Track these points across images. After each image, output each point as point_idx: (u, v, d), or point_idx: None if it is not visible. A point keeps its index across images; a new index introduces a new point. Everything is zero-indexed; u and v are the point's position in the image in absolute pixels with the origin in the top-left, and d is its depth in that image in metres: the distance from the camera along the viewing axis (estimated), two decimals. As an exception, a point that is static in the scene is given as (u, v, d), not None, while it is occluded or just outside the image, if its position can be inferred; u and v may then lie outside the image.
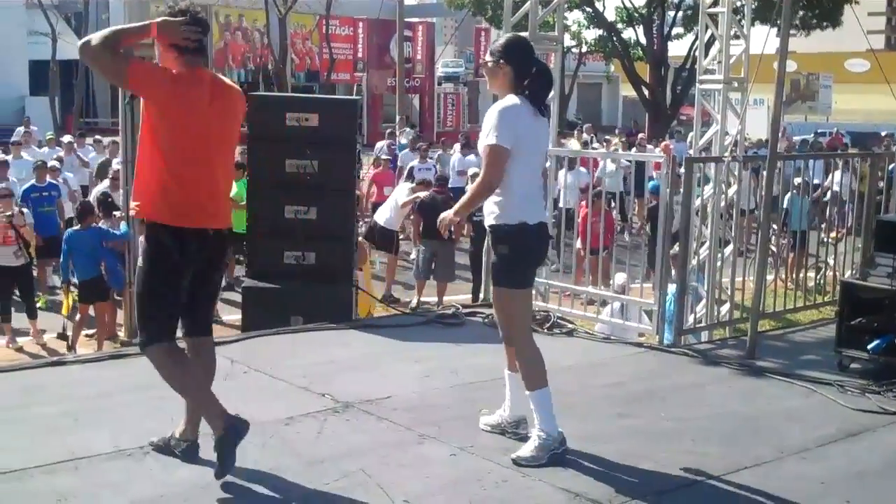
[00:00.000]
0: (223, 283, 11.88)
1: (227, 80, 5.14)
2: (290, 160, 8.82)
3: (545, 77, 5.37)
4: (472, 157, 19.90)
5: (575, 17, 38.93)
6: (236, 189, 14.53)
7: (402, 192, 15.53)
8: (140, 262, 4.93)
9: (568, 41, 37.11)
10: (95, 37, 4.71)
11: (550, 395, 5.37)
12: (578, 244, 14.18)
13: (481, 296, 10.15)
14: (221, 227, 4.97)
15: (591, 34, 39.85)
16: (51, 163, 16.22)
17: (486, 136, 5.17)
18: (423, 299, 14.71)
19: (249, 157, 9.46)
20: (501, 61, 5.32)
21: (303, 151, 8.79)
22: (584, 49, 41.77)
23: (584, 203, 12.02)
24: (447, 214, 5.36)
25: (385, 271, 15.52)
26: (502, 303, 5.43)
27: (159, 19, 4.86)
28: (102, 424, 5.70)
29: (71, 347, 11.84)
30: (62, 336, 12.11)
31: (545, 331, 8.23)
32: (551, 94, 6.35)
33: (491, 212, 5.30)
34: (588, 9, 35.95)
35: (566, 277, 9.71)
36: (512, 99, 5.24)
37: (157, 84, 4.75)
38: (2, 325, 12.63)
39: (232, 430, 4.81)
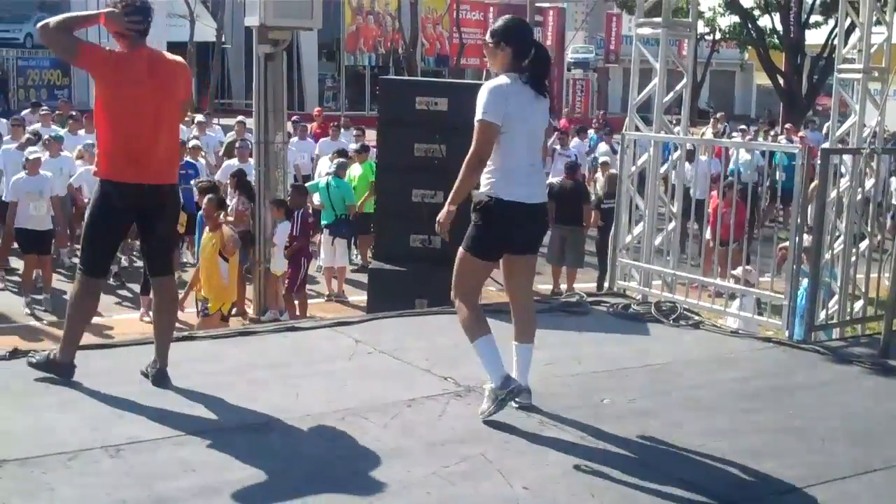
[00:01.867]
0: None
1: (168, 56, 6.01)
2: (419, 144, 8.87)
3: (543, 58, 5.58)
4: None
5: (709, 2, 38.22)
6: (362, 171, 14.80)
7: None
8: (87, 210, 6.05)
9: (701, 28, 36.47)
10: (53, 20, 5.69)
11: (491, 343, 5.61)
12: (708, 235, 13.93)
13: (606, 284, 10.04)
14: (157, 182, 5.79)
15: (726, 21, 39.04)
16: (192, 142, 16.64)
17: (476, 113, 5.43)
18: (543, 286, 14.66)
19: (378, 141, 9.54)
20: (501, 42, 5.52)
21: (431, 136, 8.83)
22: (718, 36, 40.97)
23: (714, 193, 11.80)
24: (443, 212, 5.61)
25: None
26: (459, 262, 5.71)
27: (106, 10, 5.78)
28: (231, 400, 5.82)
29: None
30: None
31: (671, 322, 8.12)
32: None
33: (480, 182, 5.56)
34: (724, -5, 35.26)
35: (694, 269, 9.54)
36: (503, 78, 5.47)
37: (99, 63, 5.75)
38: (140, 298, 13.00)
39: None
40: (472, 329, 5.65)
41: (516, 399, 5.77)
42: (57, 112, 20.54)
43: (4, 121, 17.96)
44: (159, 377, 5.97)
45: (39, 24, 5.73)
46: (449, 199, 5.60)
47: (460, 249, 5.72)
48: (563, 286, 14.34)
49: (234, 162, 15.42)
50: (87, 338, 8.89)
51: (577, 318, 8.21)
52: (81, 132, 17.16)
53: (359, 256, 15.78)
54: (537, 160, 5.80)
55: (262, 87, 12.74)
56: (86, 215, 6.02)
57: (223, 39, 38.43)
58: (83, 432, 5.20)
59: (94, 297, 6.16)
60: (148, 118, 5.73)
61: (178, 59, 6.12)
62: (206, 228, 10.77)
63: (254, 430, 5.36)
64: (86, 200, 14.48)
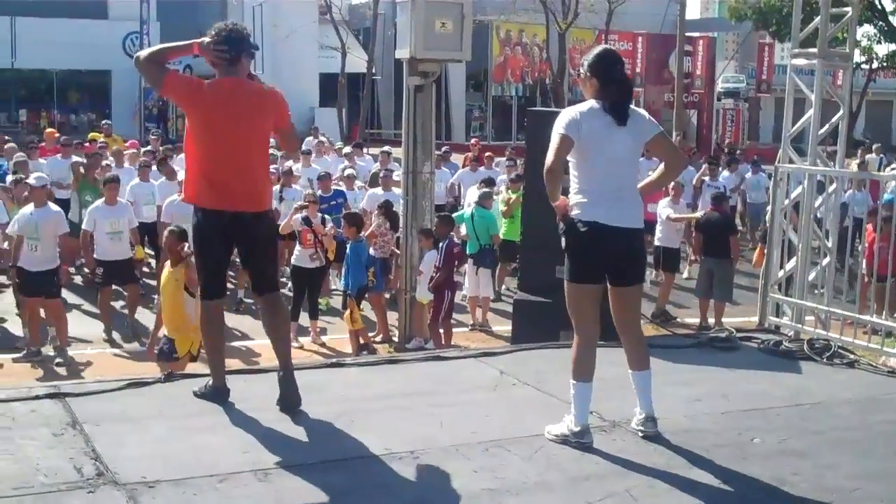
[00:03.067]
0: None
1: (258, 85, 6.16)
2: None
3: (624, 89, 5.73)
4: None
5: (865, 30, 37.08)
6: (514, 198, 14.80)
7: (666, 208, 15.24)
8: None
9: (857, 57, 35.41)
10: (145, 52, 5.99)
11: (586, 392, 5.71)
12: (864, 269, 13.52)
13: (756, 319, 9.81)
14: (239, 209, 5.88)
15: (883, 49, 37.83)
16: (347, 171, 16.97)
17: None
18: (690, 320, 14.42)
19: (526, 170, 9.59)
20: (589, 73, 5.72)
21: (577, 167, 8.78)
22: (875, 65, 39.73)
23: (870, 226, 11.42)
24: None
25: (659, 289, 15.18)
26: (565, 291, 5.80)
27: (199, 40, 5.97)
28: (375, 427, 5.90)
29: (370, 349, 12.33)
30: (364, 346, 12.63)
31: (824, 360, 7.89)
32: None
33: None
34: (881, 22, 34.15)
35: (849, 305, 9.23)
36: (585, 104, 5.69)
37: (183, 92, 6.02)
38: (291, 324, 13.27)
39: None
40: (574, 368, 5.76)
41: (641, 429, 5.83)
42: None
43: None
44: (287, 377, 6.10)
45: (135, 55, 5.99)
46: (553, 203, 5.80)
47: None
48: (711, 320, 14.06)
49: (379, 191, 15.64)
50: (238, 363, 9.17)
51: (726, 354, 8.05)
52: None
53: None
54: (625, 186, 5.74)
55: (411, 118, 12.89)
56: None
57: (373, 71, 39.13)
58: (234, 455, 5.33)
59: (216, 319, 6.25)
60: (228, 146, 5.84)
61: (271, 88, 6.26)
62: (167, 263, 9.58)
63: (398, 458, 5.40)
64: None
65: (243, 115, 5.86)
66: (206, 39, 5.94)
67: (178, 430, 5.76)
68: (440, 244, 12.25)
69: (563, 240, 5.71)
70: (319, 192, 15.13)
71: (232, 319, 13.94)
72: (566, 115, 5.63)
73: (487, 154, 20.52)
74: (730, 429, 6.19)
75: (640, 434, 5.84)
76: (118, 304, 13.85)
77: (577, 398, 5.71)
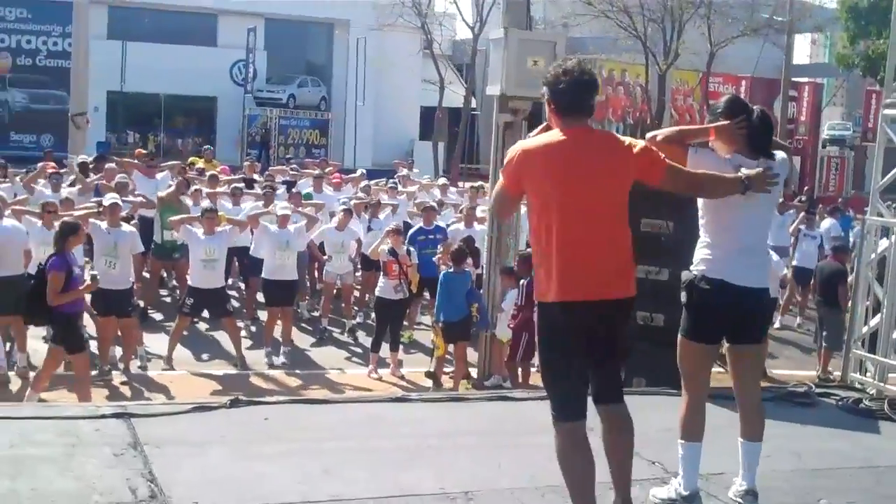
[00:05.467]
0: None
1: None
2: (646, 219, 8.72)
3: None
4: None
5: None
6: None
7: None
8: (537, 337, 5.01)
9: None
10: (661, 132, 5.29)
11: (695, 452, 5.39)
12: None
13: (836, 374, 9.54)
14: (607, 297, 4.77)
15: None
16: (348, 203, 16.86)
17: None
18: (778, 371, 14.09)
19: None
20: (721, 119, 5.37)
21: (659, 211, 8.67)
22: None
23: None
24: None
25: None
26: (678, 347, 5.48)
27: (717, 124, 5.29)
28: (433, 464, 5.86)
29: (437, 384, 12.27)
30: (430, 375, 12.62)
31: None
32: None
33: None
34: None
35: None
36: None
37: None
38: (370, 355, 13.30)
39: None
40: (683, 428, 5.49)
41: (740, 502, 5.60)
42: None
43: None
44: None
45: (649, 134, 5.26)
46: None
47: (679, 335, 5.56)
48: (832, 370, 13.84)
49: (461, 226, 15.62)
50: (313, 392, 9.21)
51: (803, 410, 7.83)
52: (329, 190, 17.89)
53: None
54: (759, 241, 5.56)
55: (499, 154, 12.89)
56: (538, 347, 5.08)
57: (473, 105, 39.33)
58: (288, 486, 5.35)
59: (581, 446, 4.85)
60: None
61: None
62: None
63: (451, 499, 5.37)
64: (325, 257, 15.05)
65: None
66: (724, 122, 5.32)
67: (237, 457, 5.80)
68: (521, 282, 12.18)
69: (683, 294, 5.47)
70: (421, 225, 15.15)
71: (309, 349, 14.09)
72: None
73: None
74: (798, 488, 6.03)
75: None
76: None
77: (687, 460, 5.48)
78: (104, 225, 12.18)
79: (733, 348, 5.57)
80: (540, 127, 5.05)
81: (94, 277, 10.09)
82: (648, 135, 5.26)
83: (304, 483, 5.39)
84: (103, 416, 6.26)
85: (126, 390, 11.25)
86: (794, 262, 17.60)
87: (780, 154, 5.56)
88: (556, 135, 4.77)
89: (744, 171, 5.19)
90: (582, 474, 4.81)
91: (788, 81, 36.12)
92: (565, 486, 4.84)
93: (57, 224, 12.68)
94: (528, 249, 14.08)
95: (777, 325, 16.80)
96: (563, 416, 4.81)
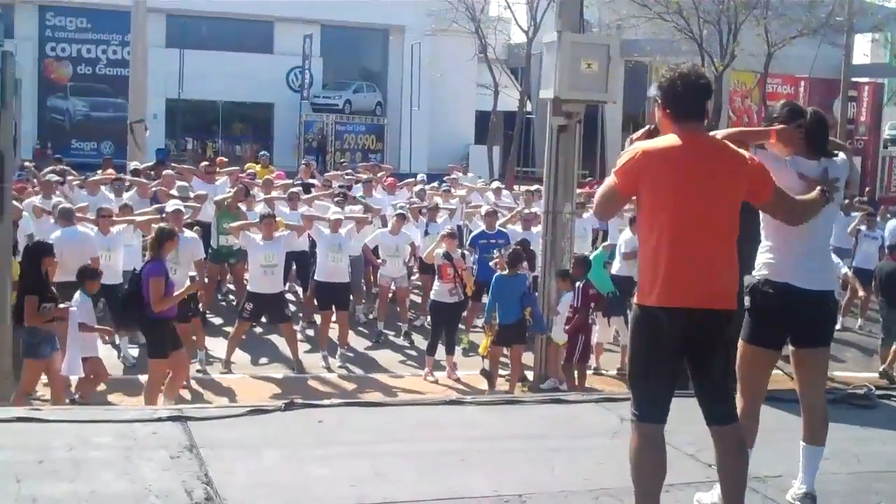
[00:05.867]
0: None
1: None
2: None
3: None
4: None
5: None
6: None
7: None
8: (629, 338, 4.99)
9: None
10: (721, 132, 5.17)
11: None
12: None
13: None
14: (709, 306, 4.68)
15: None
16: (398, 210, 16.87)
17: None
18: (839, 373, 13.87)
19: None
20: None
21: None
22: None
23: None
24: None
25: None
26: (739, 351, 5.42)
27: (777, 127, 5.28)
28: (486, 467, 5.86)
29: (491, 385, 12.26)
30: (484, 372, 12.61)
31: None
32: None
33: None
34: None
35: None
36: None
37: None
38: (426, 358, 13.32)
39: None
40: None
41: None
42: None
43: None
44: None
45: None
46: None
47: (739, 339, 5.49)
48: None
49: (518, 228, 15.61)
50: (369, 395, 9.22)
51: (863, 412, 7.71)
52: (381, 194, 17.97)
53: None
54: (822, 244, 5.51)
55: (553, 158, 12.86)
56: (629, 348, 5.02)
57: (527, 109, 39.26)
58: (341, 488, 5.38)
59: (655, 448, 4.81)
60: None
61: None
62: None
63: (504, 501, 5.35)
64: (378, 261, 15.11)
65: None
66: (785, 127, 5.30)
67: (291, 460, 5.84)
68: (577, 285, 12.14)
69: (746, 299, 5.38)
70: (484, 228, 15.13)
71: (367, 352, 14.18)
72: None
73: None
74: (856, 491, 5.95)
75: None
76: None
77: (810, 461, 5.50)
78: None
79: (798, 352, 5.50)
80: (644, 130, 5.07)
81: (192, 279, 10.15)
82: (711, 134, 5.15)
83: (356, 486, 5.42)
84: (160, 419, 6.34)
85: (186, 393, 11.36)
86: (855, 264, 17.39)
87: (840, 155, 5.50)
88: (675, 139, 4.74)
89: (809, 176, 5.14)
90: (651, 477, 4.79)
91: (848, 81, 35.58)
92: (632, 484, 4.81)
93: (115, 230, 12.93)
94: (583, 253, 14.08)
95: (838, 326, 16.57)
96: (643, 418, 4.80)
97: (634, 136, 5.07)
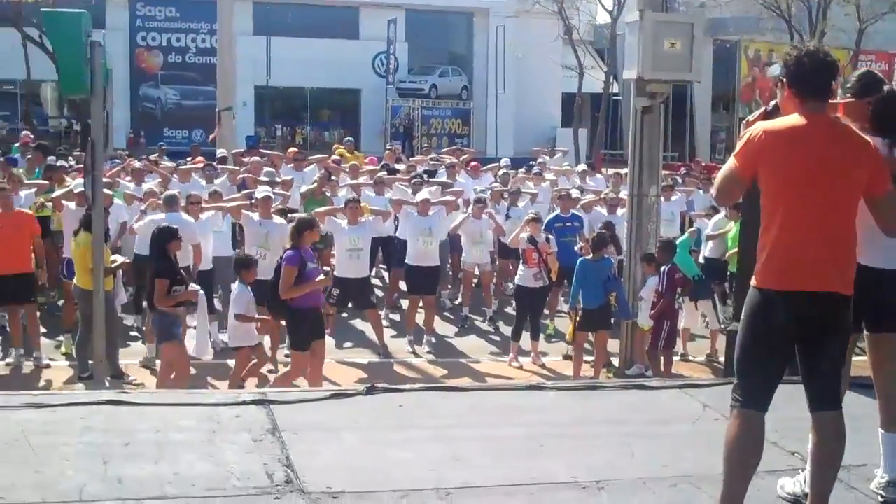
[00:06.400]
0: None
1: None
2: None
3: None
4: None
5: None
6: (734, 230, 14.25)
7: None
8: (742, 320, 4.89)
9: None
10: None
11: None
12: None
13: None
14: (828, 289, 4.60)
15: None
16: (573, 192, 16.72)
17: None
18: None
19: (743, 199, 9.23)
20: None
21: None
22: None
23: None
24: None
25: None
26: None
27: (845, 100, 5.12)
28: (564, 453, 5.84)
29: (576, 370, 12.24)
30: (568, 358, 12.59)
31: None
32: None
33: None
34: None
35: None
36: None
37: None
38: (511, 343, 13.32)
39: None
40: None
41: (882, 493, 5.39)
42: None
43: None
44: None
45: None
46: None
47: None
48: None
49: (604, 210, 15.53)
50: (454, 381, 9.23)
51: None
52: (464, 178, 17.98)
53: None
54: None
55: (637, 139, 12.74)
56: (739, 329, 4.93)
57: (614, 90, 38.92)
58: (419, 472, 5.41)
59: (754, 435, 4.76)
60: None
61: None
62: None
63: (582, 487, 5.34)
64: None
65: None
66: (853, 100, 5.18)
67: (371, 443, 5.89)
68: (662, 269, 12.02)
69: None
70: (559, 212, 15.07)
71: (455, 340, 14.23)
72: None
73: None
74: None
75: (881, 499, 5.38)
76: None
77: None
78: (256, 216, 12.54)
79: (872, 336, 5.36)
80: (760, 111, 5.00)
81: (326, 273, 10.29)
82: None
83: (434, 470, 5.44)
84: (244, 403, 6.44)
85: (272, 378, 11.52)
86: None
87: None
88: (799, 119, 4.64)
89: None
90: (742, 463, 4.74)
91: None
92: (720, 469, 4.77)
93: (204, 216, 13.14)
94: (669, 237, 13.92)
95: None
96: (744, 403, 4.74)
97: (751, 117, 5.01)
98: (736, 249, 13.08)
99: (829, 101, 4.92)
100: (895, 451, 5.38)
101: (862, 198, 4.85)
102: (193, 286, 10.32)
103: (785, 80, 4.74)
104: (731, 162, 4.74)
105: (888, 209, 4.80)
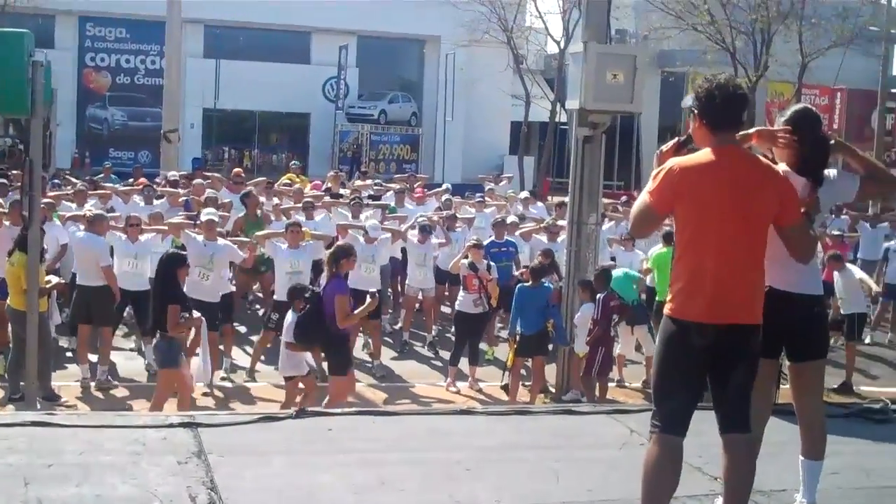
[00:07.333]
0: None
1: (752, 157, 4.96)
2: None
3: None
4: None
5: None
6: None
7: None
8: (656, 349, 5.00)
9: None
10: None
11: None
12: None
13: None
14: (737, 321, 4.71)
15: None
16: (510, 219, 16.87)
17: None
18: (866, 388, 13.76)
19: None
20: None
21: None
22: None
23: None
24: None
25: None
26: None
27: (759, 129, 5.21)
28: (491, 477, 5.88)
29: (511, 396, 12.30)
30: (505, 388, 12.64)
31: None
32: None
33: None
34: None
35: None
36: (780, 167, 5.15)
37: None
38: (448, 368, 13.34)
39: None
40: None
41: None
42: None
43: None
44: None
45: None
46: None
47: None
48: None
49: (544, 238, 15.67)
50: (392, 405, 9.22)
51: (877, 427, 7.64)
52: (411, 205, 18.02)
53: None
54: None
55: (579, 167, 12.86)
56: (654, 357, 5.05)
57: (561, 119, 39.21)
58: (345, 496, 5.45)
59: (672, 460, 4.85)
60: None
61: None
62: None
63: (506, 512, 5.38)
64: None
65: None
66: (770, 129, 5.32)
67: (298, 467, 5.90)
68: (598, 297, 12.12)
69: None
70: (492, 238, 15.15)
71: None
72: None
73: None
74: (863, 507, 5.89)
75: None
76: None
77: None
78: (200, 238, 12.51)
79: (793, 366, 5.44)
80: (673, 141, 5.08)
81: (372, 295, 10.35)
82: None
83: (359, 494, 5.47)
84: (171, 426, 6.43)
85: (209, 401, 11.48)
86: (886, 280, 17.12)
87: (830, 172, 5.39)
88: (710, 154, 4.75)
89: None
90: (661, 488, 4.82)
91: (886, 92, 35.26)
92: (640, 495, 4.82)
93: (143, 238, 13.07)
94: (608, 263, 14.05)
95: (868, 340, 16.42)
96: (663, 429, 4.83)
97: (664, 147, 5.08)
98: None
99: (740, 131, 5.05)
100: (814, 477, 5.48)
101: (789, 248, 4.98)
102: (196, 313, 10.27)
103: (696, 111, 4.85)
104: (646, 198, 4.83)
105: (799, 238, 4.92)
